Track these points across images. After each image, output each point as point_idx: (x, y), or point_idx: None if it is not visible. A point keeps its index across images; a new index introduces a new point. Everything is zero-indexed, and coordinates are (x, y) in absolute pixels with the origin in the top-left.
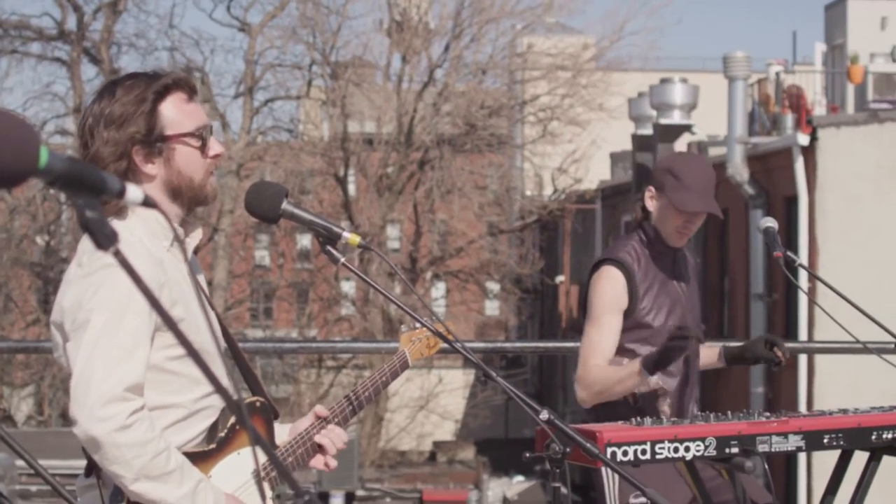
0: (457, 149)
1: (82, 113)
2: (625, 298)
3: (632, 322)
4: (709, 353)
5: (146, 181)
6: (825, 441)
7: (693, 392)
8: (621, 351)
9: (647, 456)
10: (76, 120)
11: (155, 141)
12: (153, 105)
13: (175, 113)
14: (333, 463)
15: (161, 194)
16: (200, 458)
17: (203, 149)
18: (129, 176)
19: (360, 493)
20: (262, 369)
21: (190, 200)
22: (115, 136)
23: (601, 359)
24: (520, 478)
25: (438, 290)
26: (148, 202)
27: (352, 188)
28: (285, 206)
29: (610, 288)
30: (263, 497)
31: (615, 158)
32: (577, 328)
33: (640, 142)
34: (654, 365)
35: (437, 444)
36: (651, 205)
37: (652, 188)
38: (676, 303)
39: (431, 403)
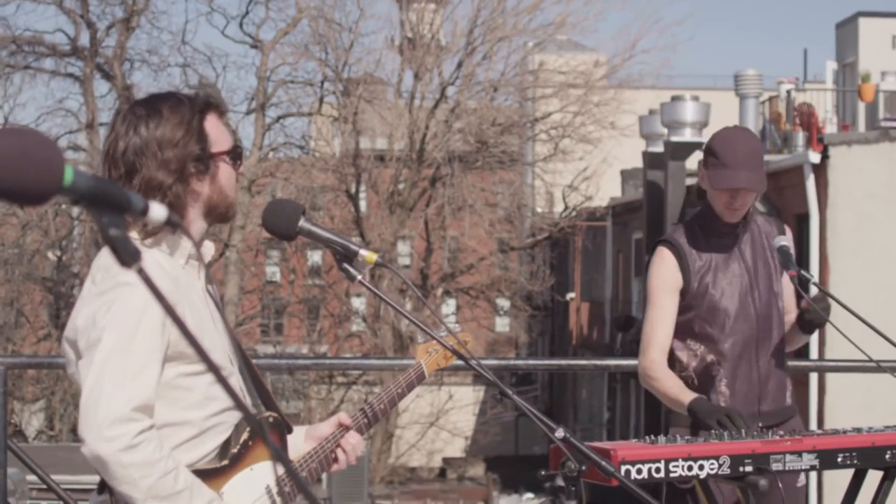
0: (468, 166)
1: (111, 139)
2: (678, 276)
3: (691, 300)
4: (791, 334)
5: (193, 199)
6: (839, 460)
7: (764, 359)
8: (686, 330)
9: (661, 474)
10: (89, 136)
11: (208, 159)
12: (200, 123)
13: (216, 132)
14: (352, 461)
15: (198, 212)
16: (212, 475)
17: (236, 165)
18: (181, 196)
19: None
20: (273, 385)
21: (219, 217)
22: (173, 156)
23: (657, 346)
24: (529, 495)
25: (449, 306)
26: (171, 221)
27: (363, 205)
28: (303, 223)
29: (662, 269)
30: None
31: (626, 176)
32: (587, 345)
33: (651, 159)
34: (696, 419)
35: (446, 461)
36: (704, 184)
37: (702, 168)
38: (739, 280)
39: (441, 420)
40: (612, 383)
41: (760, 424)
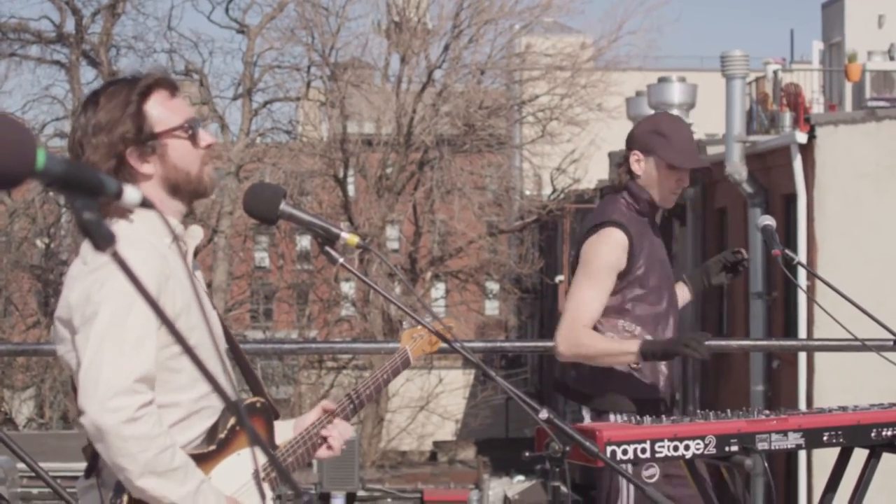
0: (456, 149)
1: (71, 128)
2: (623, 260)
3: (627, 282)
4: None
5: (144, 181)
6: (825, 439)
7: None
8: (620, 311)
9: (647, 454)
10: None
11: (146, 139)
12: (138, 106)
13: (161, 110)
14: (338, 451)
15: (161, 192)
16: (200, 459)
17: (194, 140)
18: (127, 178)
19: (360, 493)
20: (263, 370)
21: (190, 194)
22: (106, 141)
23: (589, 319)
24: (520, 477)
25: (438, 290)
26: (146, 203)
27: (351, 189)
28: (283, 207)
29: (611, 250)
30: (263, 498)
31: (614, 158)
32: None
33: None
34: (654, 356)
35: (437, 444)
36: (638, 168)
37: (638, 152)
38: (663, 261)
39: (432, 404)
40: None
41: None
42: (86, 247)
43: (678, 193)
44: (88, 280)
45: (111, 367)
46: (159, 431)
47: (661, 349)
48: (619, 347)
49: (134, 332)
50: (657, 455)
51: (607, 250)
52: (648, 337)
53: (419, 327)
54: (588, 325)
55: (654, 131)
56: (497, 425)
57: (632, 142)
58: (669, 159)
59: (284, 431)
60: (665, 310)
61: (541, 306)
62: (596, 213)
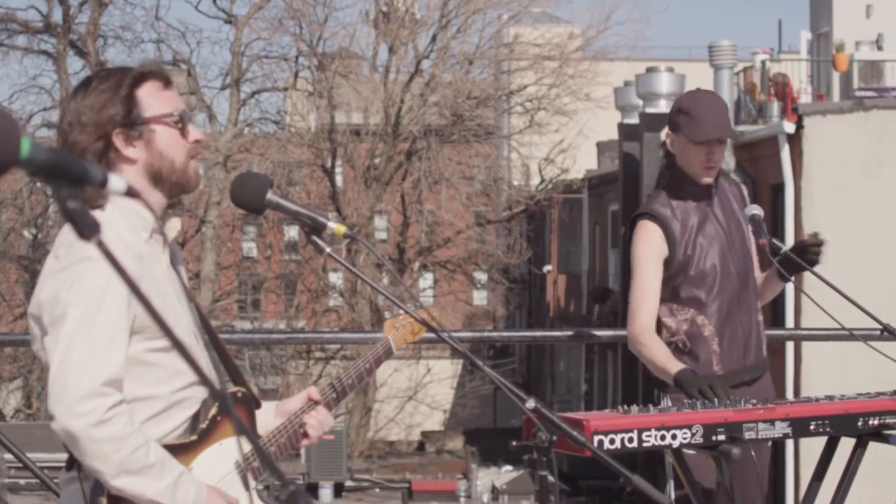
0: (444, 139)
1: (60, 113)
2: (663, 247)
3: (676, 269)
4: (766, 285)
5: (127, 165)
6: (811, 428)
7: (746, 314)
8: (677, 300)
9: (634, 444)
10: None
11: (134, 123)
12: (130, 90)
13: (152, 98)
14: (315, 440)
15: (143, 179)
16: (182, 449)
17: (182, 132)
18: (111, 159)
19: (348, 483)
20: (251, 361)
21: (172, 186)
22: (94, 120)
23: (647, 313)
24: (508, 467)
25: (427, 280)
26: (131, 192)
27: (339, 179)
28: (270, 196)
29: (646, 239)
30: (247, 487)
31: (602, 148)
32: (565, 317)
33: (626, 131)
34: (681, 388)
35: (425, 435)
36: (673, 148)
37: (670, 132)
38: (717, 241)
39: (420, 394)
40: (590, 355)
41: (747, 378)
42: (59, 240)
43: (712, 167)
44: (59, 278)
45: (79, 371)
46: (131, 430)
47: (688, 386)
48: (663, 365)
49: (103, 334)
50: (644, 444)
51: (641, 241)
52: (700, 319)
53: (401, 316)
54: (646, 320)
55: (680, 109)
56: (485, 415)
57: (668, 123)
58: (689, 134)
59: (266, 416)
60: (720, 288)
61: (529, 296)
62: (642, 206)
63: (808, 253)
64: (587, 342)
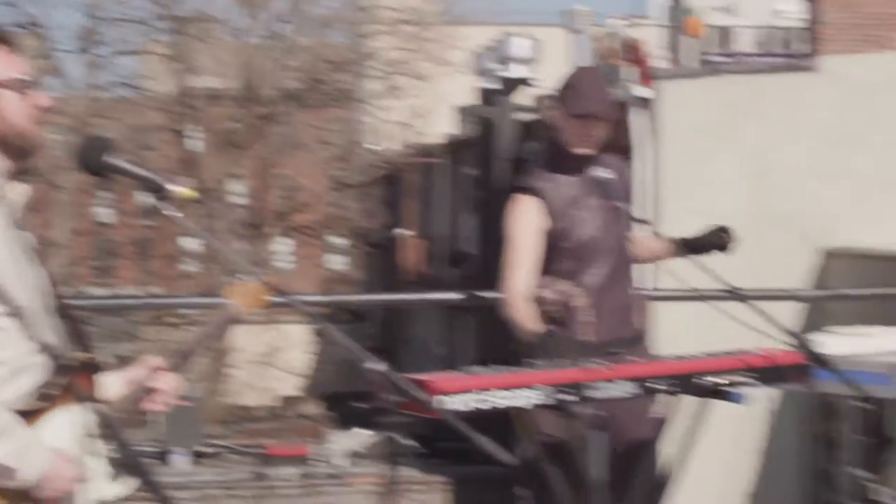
0: (301, 103)
1: None
2: (541, 220)
3: (555, 239)
4: (656, 246)
5: None
6: (657, 387)
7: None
8: (555, 271)
9: (482, 404)
10: None
11: None
12: None
13: None
14: (169, 404)
15: None
16: (29, 415)
17: (28, 97)
18: None
19: (204, 450)
20: (105, 327)
21: (17, 150)
22: None
23: (518, 278)
24: (365, 431)
25: (286, 245)
26: None
27: (199, 144)
28: (107, 158)
29: (523, 214)
30: (96, 453)
31: (461, 113)
32: (423, 282)
33: (484, 95)
34: (539, 350)
35: (282, 400)
36: (555, 122)
37: (553, 106)
38: (598, 213)
39: (276, 358)
40: (448, 319)
41: (624, 348)
42: None
43: (589, 139)
44: None
45: None
46: None
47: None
48: (526, 328)
49: None
50: (491, 405)
51: (518, 216)
52: (576, 290)
53: (246, 281)
54: (514, 286)
55: (564, 85)
56: (342, 380)
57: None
58: (568, 107)
59: (115, 383)
60: (599, 259)
61: (386, 261)
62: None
63: (719, 238)
64: (441, 305)
